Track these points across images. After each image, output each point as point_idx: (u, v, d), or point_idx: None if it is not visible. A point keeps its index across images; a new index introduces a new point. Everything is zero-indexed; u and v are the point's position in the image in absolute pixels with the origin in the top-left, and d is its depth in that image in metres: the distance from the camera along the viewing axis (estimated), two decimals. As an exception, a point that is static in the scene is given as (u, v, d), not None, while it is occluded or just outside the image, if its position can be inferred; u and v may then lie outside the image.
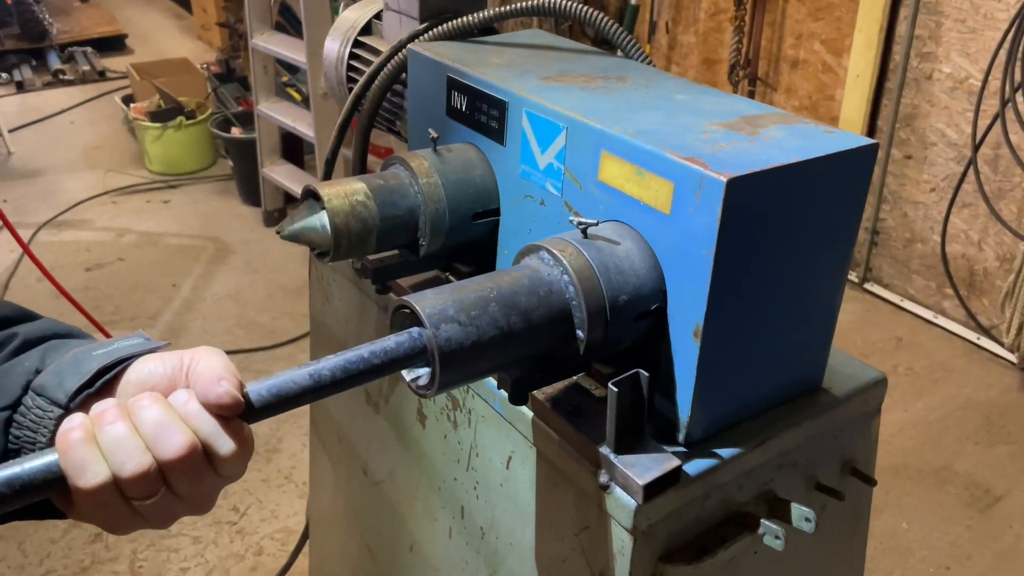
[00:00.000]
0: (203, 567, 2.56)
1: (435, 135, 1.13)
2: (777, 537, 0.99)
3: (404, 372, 0.88)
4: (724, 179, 0.83)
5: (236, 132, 4.51)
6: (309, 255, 1.28)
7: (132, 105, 5.02)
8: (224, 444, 0.69)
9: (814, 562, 1.18)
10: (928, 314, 3.65)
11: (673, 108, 1.03)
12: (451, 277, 1.27)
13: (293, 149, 4.43)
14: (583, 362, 0.96)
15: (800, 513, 1.02)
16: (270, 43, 3.86)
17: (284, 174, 4.17)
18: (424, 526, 1.33)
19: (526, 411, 1.05)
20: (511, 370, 0.93)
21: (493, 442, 1.13)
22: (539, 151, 1.06)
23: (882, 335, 3.62)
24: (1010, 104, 2.94)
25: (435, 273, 1.28)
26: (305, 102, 4.40)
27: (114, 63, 6.68)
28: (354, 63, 1.44)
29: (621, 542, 0.94)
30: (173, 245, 4.24)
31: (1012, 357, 3.25)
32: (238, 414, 0.71)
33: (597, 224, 0.92)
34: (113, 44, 7.08)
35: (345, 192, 1.07)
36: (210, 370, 0.71)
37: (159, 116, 4.81)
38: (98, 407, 0.70)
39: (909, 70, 3.40)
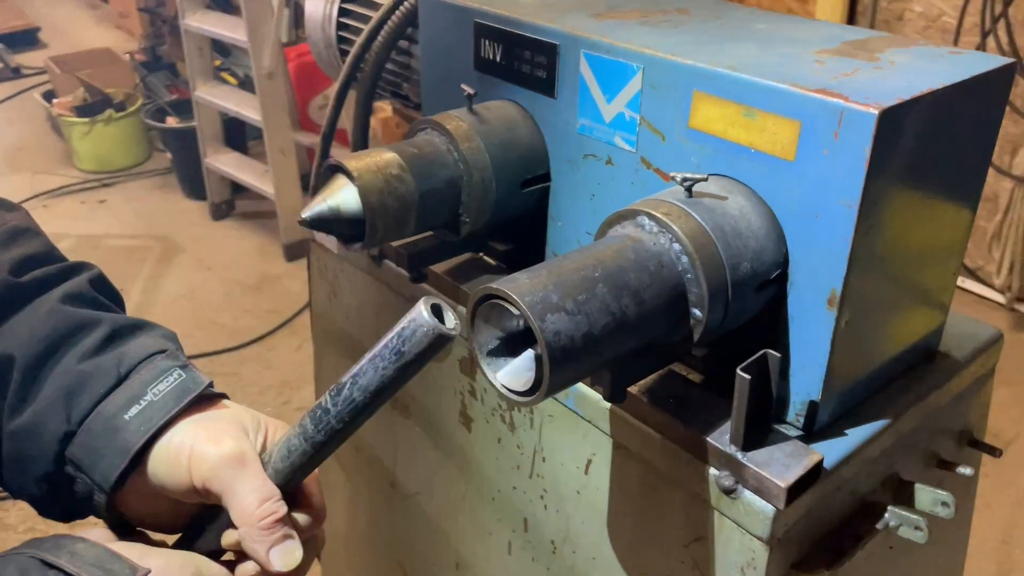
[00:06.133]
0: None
1: (471, 91, 0.96)
2: (918, 528, 0.85)
3: (495, 378, 0.72)
4: (875, 111, 0.68)
5: (172, 122, 4.23)
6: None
7: (55, 101, 4.68)
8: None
9: (928, 547, 1.05)
10: (909, 260, 3.59)
11: (762, 38, 0.87)
12: (487, 259, 1.11)
13: (235, 136, 4.17)
14: (688, 348, 0.81)
15: (935, 497, 0.89)
16: (204, 23, 3.60)
17: (229, 163, 3.91)
18: (473, 542, 1.17)
19: (605, 406, 0.90)
20: (615, 363, 0.77)
21: (566, 444, 0.97)
22: (604, 100, 0.89)
23: (865, 285, 3.55)
24: (991, 35, 2.86)
25: (470, 256, 1.11)
26: (242, 86, 4.14)
27: (29, 59, 6.26)
28: (346, 20, 1.25)
29: (752, 553, 0.80)
30: (115, 247, 3.96)
31: (1000, 298, 3.20)
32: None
33: (706, 179, 0.76)
34: (25, 39, 6.64)
35: (377, 164, 0.89)
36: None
37: (86, 110, 4.50)
38: None
39: (879, 11, 3.31)
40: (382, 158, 0.90)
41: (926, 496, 0.89)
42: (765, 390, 0.77)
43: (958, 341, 0.96)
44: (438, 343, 0.61)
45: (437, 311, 0.62)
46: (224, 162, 3.92)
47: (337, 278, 1.28)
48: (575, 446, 0.96)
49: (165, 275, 3.74)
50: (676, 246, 0.74)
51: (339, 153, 0.93)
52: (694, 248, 0.73)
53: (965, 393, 0.97)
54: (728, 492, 0.79)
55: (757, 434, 0.79)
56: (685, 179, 0.76)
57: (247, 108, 3.58)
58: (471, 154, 0.93)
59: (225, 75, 4.43)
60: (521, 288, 0.67)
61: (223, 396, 0.74)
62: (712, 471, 0.81)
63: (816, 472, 0.77)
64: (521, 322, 0.71)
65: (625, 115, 0.88)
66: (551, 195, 1.00)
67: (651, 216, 0.75)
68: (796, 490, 0.76)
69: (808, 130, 0.73)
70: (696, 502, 0.84)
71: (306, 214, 0.88)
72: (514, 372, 0.72)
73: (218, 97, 3.74)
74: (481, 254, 1.11)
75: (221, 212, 4.14)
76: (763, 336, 0.83)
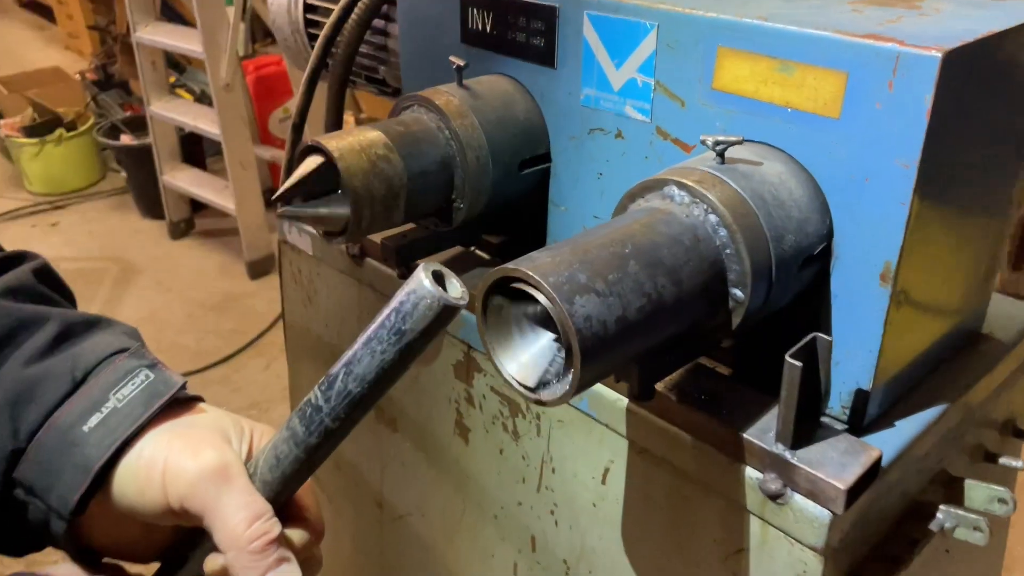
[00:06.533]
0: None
1: (461, 63, 0.87)
2: (977, 528, 0.77)
3: (512, 376, 0.62)
4: (938, 54, 0.60)
5: (126, 139, 4.08)
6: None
7: (2, 122, 4.50)
8: None
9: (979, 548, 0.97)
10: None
11: (784, -8, 0.79)
12: (480, 253, 1.01)
13: (193, 152, 4.03)
14: (724, 336, 0.71)
15: (990, 494, 0.80)
16: (157, 35, 3.46)
17: (188, 180, 3.77)
18: (474, 565, 1.07)
19: (623, 407, 0.80)
20: (644, 356, 0.68)
21: (578, 452, 0.88)
22: (612, 66, 0.80)
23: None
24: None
25: (461, 250, 1.01)
26: (198, 102, 4.00)
27: (-27, 81, 6.05)
28: (314, 1, 1.15)
29: (804, 566, 0.71)
30: (70, 271, 3.79)
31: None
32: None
33: (741, 141, 0.68)
34: (-31, 62, 6.43)
35: (360, 144, 0.79)
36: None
37: (35, 131, 4.33)
38: None
39: None
40: (366, 137, 0.80)
41: (980, 493, 0.81)
42: (814, 379, 0.68)
43: (1001, 322, 0.88)
44: (444, 316, 0.51)
45: (439, 279, 0.52)
46: (182, 179, 3.78)
47: (312, 282, 1.17)
48: (590, 453, 0.86)
49: (123, 298, 3.59)
50: (712, 217, 0.65)
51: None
52: (733, 219, 0.64)
53: (1011, 378, 0.89)
54: (775, 497, 0.70)
55: (805, 430, 0.70)
56: (717, 142, 0.67)
57: (204, 121, 3.45)
58: (465, 132, 0.84)
59: (180, 91, 4.29)
60: (543, 267, 0.58)
61: (198, 399, 0.63)
62: (754, 474, 0.71)
63: (874, 471, 0.69)
64: (540, 308, 0.61)
65: (637, 81, 0.79)
66: (552, 177, 0.91)
67: (681, 185, 0.66)
68: (855, 492, 0.67)
69: (856, 82, 0.64)
70: (735, 510, 0.74)
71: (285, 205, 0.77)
72: (534, 368, 0.62)
73: (174, 111, 3.60)
74: (473, 248, 1.01)
75: (180, 231, 4.00)
76: (801, 320, 0.74)
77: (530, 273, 0.57)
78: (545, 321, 0.61)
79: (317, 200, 0.78)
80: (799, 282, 0.70)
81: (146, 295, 3.61)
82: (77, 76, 5.04)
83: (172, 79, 4.38)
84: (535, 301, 0.60)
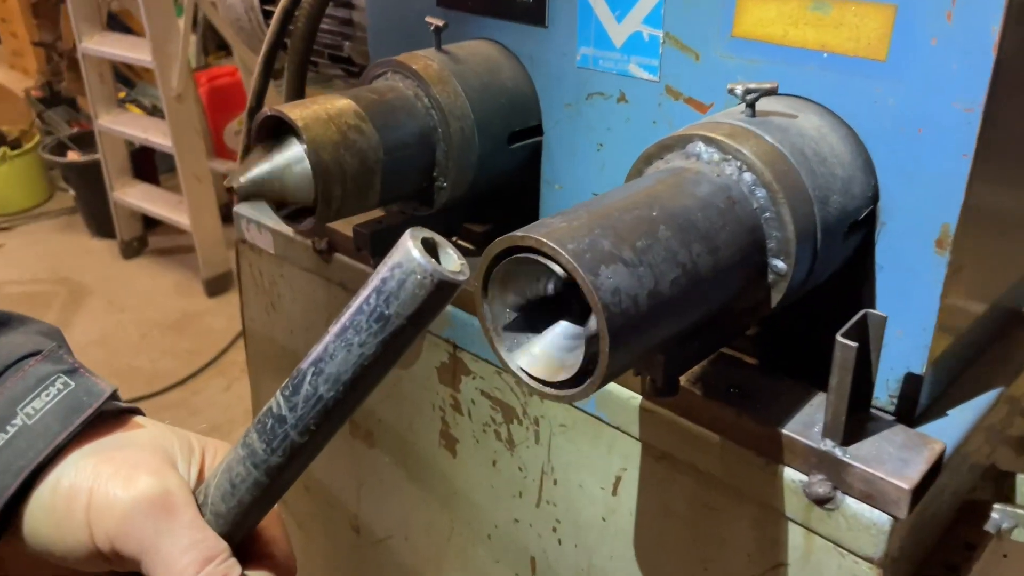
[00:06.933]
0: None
1: (440, 23, 0.77)
2: (1039, 529, 0.68)
3: (520, 367, 0.52)
4: (1008, -25, 0.51)
5: (74, 156, 3.92)
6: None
7: (-58, 142, 4.31)
8: None
9: None
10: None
11: (804, -68, 0.70)
12: (464, 243, 0.91)
13: (145, 166, 3.87)
14: (759, 317, 0.62)
15: (1049, 489, 0.72)
16: (104, 45, 3.32)
17: (140, 196, 3.62)
18: (464, 591, 0.96)
19: (635, 405, 0.71)
20: (672, 342, 0.58)
21: (584, 460, 0.77)
22: (613, 19, 0.71)
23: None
24: None
25: (441, 238, 0.91)
26: (150, 116, 3.86)
27: (-88, 102, 5.82)
28: (270, -26, 1.05)
29: (857, 580, 0.61)
30: (16, 294, 3.62)
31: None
32: None
33: (775, 88, 0.58)
34: (-92, 82, 6.19)
35: (327, 113, 0.69)
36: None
37: (-24, 150, 4.15)
38: None
39: None
40: (333, 105, 0.70)
41: (1038, 489, 0.73)
42: (867, 364, 0.59)
43: (1043, 299, 0.80)
44: (440, 296, 0.41)
45: (431, 248, 0.41)
46: (133, 195, 3.62)
47: (275, 284, 1.06)
48: (598, 461, 0.76)
49: (73, 321, 3.42)
50: (747, 176, 0.56)
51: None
52: (773, 176, 0.55)
53: (1054, 362, 0.81)
54: (823, 502, 0.61)
55: (856, 423, 0.60)
56: (748, 91, 0.58)
57: (156, 134, 3.30)
58: (447, 99, 0.74)
59: (130, 106, 4.14)
60: (558, 233, 0.48)
61: (134, 411, 0.52)
62: (796, 476, 0.62)
63: (937, 467, 0.59)
64: (552, 287, 0.51)
65: (643, 34, 0.69)
66: (544, 151, 0.81)
67: (709, 140, 0.57)
68: (919, 492, 0.57)
69: (907, 15, 0.56)
70: (772, 519, 0.65)
71: (243, 179, 0.67)
72: (546, 357, 0.52)
73: (123, 125, 3.45)
74: (455, 238, 0.91)
75: (132, 250, 3.83)
76: (839, 298, 0.65)
77: (544, 240, 0.47)
78: (558, 303, 0.51)
79: (278, 172, 0.68)
80: (843, 252, 0.61)
81: (98, 317, 3.44)
82: (22, 94, 4.86)
83: (122, 94, 4.23)
84: (545, 280, 0.51)
